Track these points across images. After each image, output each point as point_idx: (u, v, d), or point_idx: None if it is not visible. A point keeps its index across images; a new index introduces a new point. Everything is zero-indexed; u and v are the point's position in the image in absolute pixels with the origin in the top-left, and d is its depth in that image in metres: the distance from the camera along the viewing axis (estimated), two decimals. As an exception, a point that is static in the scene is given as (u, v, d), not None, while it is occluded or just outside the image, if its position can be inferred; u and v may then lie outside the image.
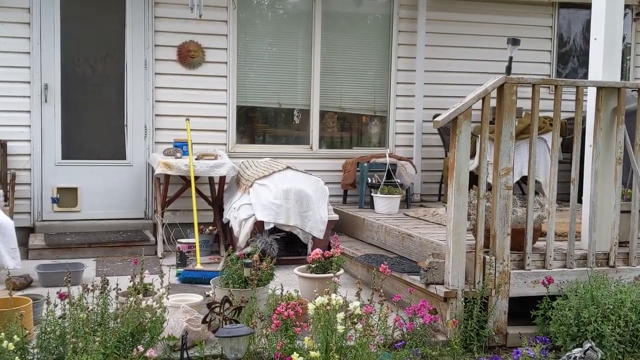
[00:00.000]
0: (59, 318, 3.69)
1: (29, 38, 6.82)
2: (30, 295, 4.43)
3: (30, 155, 6.89)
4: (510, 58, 7.37)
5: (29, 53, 6.83)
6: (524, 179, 6.95)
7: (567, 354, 3.96)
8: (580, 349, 3.93)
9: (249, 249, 5.01)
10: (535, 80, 4.59)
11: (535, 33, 8.27)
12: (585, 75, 8.20)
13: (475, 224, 4.43)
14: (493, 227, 4.42)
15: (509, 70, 7.32)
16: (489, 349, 4.32)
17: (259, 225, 6.06)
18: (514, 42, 7.36)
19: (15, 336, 3.44)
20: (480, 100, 4.37)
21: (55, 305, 3.70)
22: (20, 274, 5.31)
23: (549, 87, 7.43)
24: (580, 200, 4.75)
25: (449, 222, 4.35)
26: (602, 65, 4.68)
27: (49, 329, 3.64)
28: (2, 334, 3.43)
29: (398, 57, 7.90)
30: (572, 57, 8.66)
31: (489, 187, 4.54)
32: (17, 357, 3.38)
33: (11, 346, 3.38)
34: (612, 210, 4.68)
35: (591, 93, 4.76)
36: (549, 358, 3.96)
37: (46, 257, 6.26)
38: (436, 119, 4.32)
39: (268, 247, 5.85)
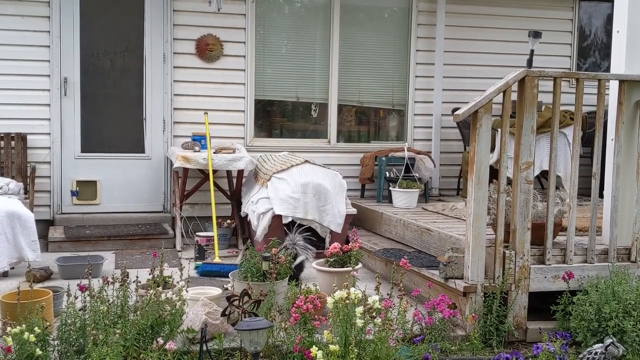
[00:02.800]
0: (80, 310, 3.71)
1: (49, 32, 6.85)
2: (50, 287, 4.47)
3: (50, 148, 6.94)
4: (532, 51, 7.31)
5: (49, 47, 6.86)
6: (544, 173, 6.90)
7: (588, 349, 3.93)
8: (601, 344, 3.90)
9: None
10: (557, 74, 4.55)
11: (555, 26, 8.19)
12: (606, 69, 8.14)
13: (495, 218, 4.40)
14: (513, 221, 4.39)
15: (530, 63, 7.26)
16: (509, 344, 4.30)
17: (276, 219, 6.06)
18: (536, 35, 7.30)
19: (36, 328, 3.48)
20: (501, 94, 4.33)
21: (76, 298, 3.72)
22: (41, 266, 5.35)
23: (569, 81, 7.36)
24: (601, 195, 4.70)
25: (469, 217, 4.33)
26: (624, 58, 4.62)
27: (69, 321, 3.66)
28: (24, 325, 3.46)
29: (417, 50, 7.85)
30: (592, 51, 8.57)
31: (509, 182, 4.50)
32: (37, 349, 3.41)
33: (32, 338, 3.41)
34: (633, 204, 4.63)
35: (613, 86, 4.71)
36: (569, 353, 3.92)
37: (66, 249, 6.31)
38: (456, 112, 4.30)
39: (299, 250, 5.26)
